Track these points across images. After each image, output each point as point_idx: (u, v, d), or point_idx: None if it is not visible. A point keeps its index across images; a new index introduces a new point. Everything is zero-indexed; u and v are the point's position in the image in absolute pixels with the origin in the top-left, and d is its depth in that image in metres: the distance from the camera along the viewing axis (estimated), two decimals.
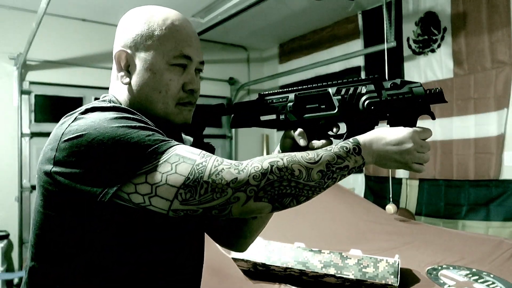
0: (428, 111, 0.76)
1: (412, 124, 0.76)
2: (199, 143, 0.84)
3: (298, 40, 4.45)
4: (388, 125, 0.78)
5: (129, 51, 0.77)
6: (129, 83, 0.78)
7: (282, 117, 0.81)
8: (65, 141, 0.65)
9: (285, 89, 0.82)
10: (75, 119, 0.68)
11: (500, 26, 2.73)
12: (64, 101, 3.62)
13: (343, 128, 0.79)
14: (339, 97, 0.79)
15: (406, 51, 3.33)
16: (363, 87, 0.78)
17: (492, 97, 2.76)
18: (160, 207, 0.64)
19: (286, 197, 0.65)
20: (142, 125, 0.67)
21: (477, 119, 2.84)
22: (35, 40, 2.87)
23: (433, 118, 0.77)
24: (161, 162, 0.64)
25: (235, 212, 0.65)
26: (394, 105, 0.76)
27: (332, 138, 0.83)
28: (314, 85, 0.81)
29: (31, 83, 3.45)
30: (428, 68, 3.17)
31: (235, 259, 1.67)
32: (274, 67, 4.81)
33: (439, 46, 3.09)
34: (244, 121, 0.85)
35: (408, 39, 3.31)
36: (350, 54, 3.55)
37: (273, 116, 0.83)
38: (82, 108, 0.71)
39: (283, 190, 0.64)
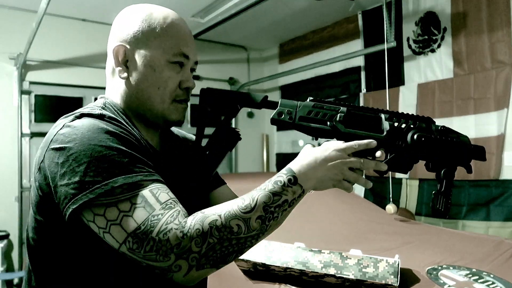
0: (468, 163, 0.78)
1: (452, 172, 0.78)
2: (224, 130, 0.83)
3: (298, 40, 4.45)
4: (425, 167, 0.79)
5: (128, 46, 0.77)
6: (127, 78, 0.78)
7: (329, 123, 0.78)
8: (51, 149, 0.65)
9: (337, 102, 0.81)
10: (64, 126, 0.67)
11: (500, 26, 2.73)
12: (64, 101, 3.62)
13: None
14: (391, 123, 0.79)
15: (406, 51, 3.33)
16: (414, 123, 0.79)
17: (492, 97, 2.76)
18: (112, 244, 0.62)
19: (229, 256, 0.64)
20: (121, 147, 0.65)
21: (477, 119, 2.84)
22: (35, 40, 2.87)
23: (470, 172, 0.79)
24: (123, 198, 0.62)
25: (178, 280, 0.62)
26: (441, 145, 0.77)
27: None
28: (368, 107, 0.81)
29: (31, 83, 3.45)
30: (428, 68, 3.17)
31: (235, 259, 1.67)
32: (274, 67, 4.81)
33: (439, 46, 3.09)
34: (283, 121, 0.81)
35: (408, 39, 3.31)
36: (350, 54, 3.55)
37: (316, 124, 0.79)
38: (77, 112, 0.71)
39: (225, 251, 0.63)
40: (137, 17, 0.78)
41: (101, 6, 3.28)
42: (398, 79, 3.36)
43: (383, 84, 2.89)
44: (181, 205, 0.66)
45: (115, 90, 0.80)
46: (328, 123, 0.78)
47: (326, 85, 4.14)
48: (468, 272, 1.70)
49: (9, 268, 3.26)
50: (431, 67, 3.15)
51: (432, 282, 1.61)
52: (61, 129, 0.67)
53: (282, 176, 0.69)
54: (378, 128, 0.79)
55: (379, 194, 3.49)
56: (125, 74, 0.78)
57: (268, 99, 0.81)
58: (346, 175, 0.73)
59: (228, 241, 0.62)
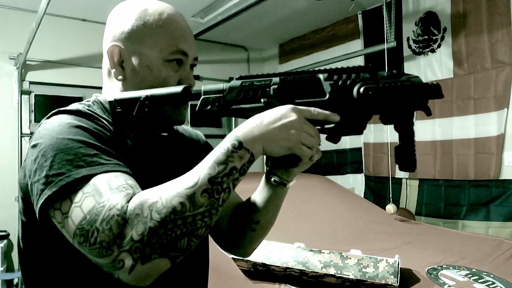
0: (425, 105, 0.69)
1: (409, 119, 0.69)
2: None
3: (298, 40, 4.45)
4: (381, 120, 0.71)
5: (122, 46, 0.74)
6: (123, 80, 0.75)
7: (264, 100, 0.69)
8: (29, 148, 0.64)
9: (268, 73, 0.71)
10: (41, 123, 0.66)
11: (500, 26, 2.73)
12: (64, 101, 3.61)
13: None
14: (331, 82, 0.69)
15: (406, 51, 3.33)
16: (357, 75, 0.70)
17: (492, 97, 2.77)
18: (70, 241, 0.58)
19: (178, 241, 0.55)
20: (91, 141, 0.62)
21: (477, 119, 2.84)
22: (35, 40, 2.87)
23: (429, 114, 0.70)
24: (77, 189, 0.57)
25: (126, 280, 0.54)
26: (392, 92, 0.68)
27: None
28: (302, 71, 0.72)
29: (31, 83, 3.45)
30: (428, 68, 3.17)
31: (235, 259, 1.67)
32: (274, 67, 4.81)
33: (439, 46, 3.09)
34: (210, 111, 0.71)
35: (408, 39, 3.32)
36: (350, 54, 3.55)
37: (248, 105, 0.70)
38: (56, 110, 0.69)
39: (171, 234, 0.54)
40: (131, 15, 0.75)
41: (101, 6, 3.28)
42: None
43: None
44: (140, 190, 0.59)
45: (112, 91, 0.77)
46: (262, 99, 0.69)
47: None
48: (468, 272, 1.70)
49: (9, 268, 3.26)
50: (431, 67, 3.15)
51: (432, 282, 1.61)
52: (39, 126, 0.66)
53: (225, 142, 0.62)
54: (319, 91, 0.70)
55: (379, 194, 3.50)
56: (121, 76, 0.75)
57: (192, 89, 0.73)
58: (303, 138, 0.65)
59: (172, 222, 0.54)
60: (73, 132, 0.62)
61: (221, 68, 4.56)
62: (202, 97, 0.70)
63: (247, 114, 0.70)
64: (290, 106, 0.65)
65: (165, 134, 0.82)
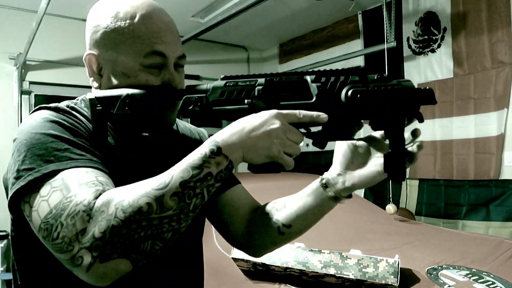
0: (417, 111, 0.66)
1: (400, 125, 0.66)
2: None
3: (298, 40, 4.45)
4: (370, 126, 0.68)
5: (98, 53, 0.71)
6: (99, 88, 0.73)
7: (247, 101, 0.66)
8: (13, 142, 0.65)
9: (254, 74, 0.69)
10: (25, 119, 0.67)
11: (500, 26, 2.73)
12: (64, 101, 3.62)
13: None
14: (319, 84, 0.67)
15: (406, 51, 3.33)
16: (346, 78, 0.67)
17: (492, 97, 2.77)
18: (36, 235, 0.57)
19: (141, 243, 0.53)
20: (63, 135, 0.62)
21: (477, 119, 2.84)
22: (35, 40, 2.87)
23: (421, 120, 0.67)
24: (46, 183, 0.57)
25: (84, 278, 0.53)
26: (382, 96, 0.65)
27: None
28: (290, 72, 0.70)
29: (31, 83, 3.45)
30: (428, 68, 3.17)
31: (235, 259, 1.67)
32: (274, 67, 4.81)
33: (439, 46, 3.09)
34: (192, 112, 0.68)
35: (408, 39, 3.32)
36: (350, 54, 3.55)
37: (232, 106, 0.67)
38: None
39: (134, 235, 0.52)
40: (103, 19, 0.70)
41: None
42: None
43: None
44: (111, 187, 0.58)
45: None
46: (246, 100, 0.66)
47: None
48: (468, 272, 1.70)
49: (9, 268, 3.26)
50: (431, 67, 3.15)
51: (432, 282, 1.61)
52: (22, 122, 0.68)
53: (204, 147, 0.59)
54: (306, 93, 0.67)
55: (379, 194, 3.49)
56: (97, 84, 0.73)
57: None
58: (286, 146, 0.61)
59: (137, 223, 0.52)
60: (47, 126, 0.62)
61: (221, 68, 4.56)
62: (184, 96, 0.68)
63: (230, 116, 0.67)
64: (274, 111, 0.62)
65: (146, 134, 0.78)
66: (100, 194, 0.55)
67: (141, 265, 0.55)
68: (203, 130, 0.95)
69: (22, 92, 3.38)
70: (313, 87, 0.67)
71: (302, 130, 0.66)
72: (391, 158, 0.66)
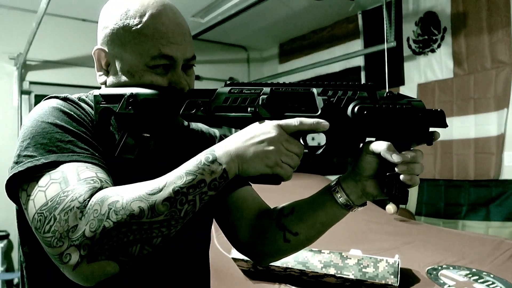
0: (426, 133, 0.63)
1: (406, 147, 0.63)
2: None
3: (298, 40, 4.45)
4: None
5: (107, 49, 0.72)
6: (104, 84, 0.74)
7: (251, 109, 0.64)
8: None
9: (260, 82, 0.68)
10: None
11: (500, 26, 2.73)
12: None
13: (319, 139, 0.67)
14: (325, 97, 0.65)
15: (406, 51, 3.33)
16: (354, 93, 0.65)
17: (492, 97, 2.77)
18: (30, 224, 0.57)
19: (130, 246, 0.53)
20: (69, 127, 0.62)
21: (477, 119, 2.84)
22: (35, 40, 2.87)
23: (430, 143, 0.64)
24: (45, 173, 0.57)
25: (70, 276, 0.53)
26: (390, 115, 0.63)
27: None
28: (296, 83, 0.69)
29: (31, 83, 3.45)
30: (428, 68, 3.17)
31: (235, 259, 1.67)
32: (274, 67, 4.81)
33: (439, 46, 3.09)
34: (195, 116, 0.67)
35: (408, 39, 3.32)
36: (350, 54, 3.55)
37: (235, 113, 0.66)
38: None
39: (123, 238, 0.52)
40: (113, 16, 0.71)
41: (101, 6, 3.27)
42: (398, 79, 3.36)
43: (383, 84, 2.89)
44: (110, 185, 0.58)
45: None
46: (249, 109, 0.65)
47: None
48: (468, 272, 1.70)
49: (9, 268, 3.26)
50: (431, 67, 3.15)
51: (432, 282, 1.61)
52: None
53: (201, 154, 0.59)
54: (312, 105, 0.65)
55: None
56: (103, 79, 0.73)
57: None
58: (284, 157, 0.60)
59: (127, 226, 0.52)
60: (54, 116, 0.63)
61: (221, 68, 4.56)
62: (188, 100, 0.67)
63: (232, 123, 0.66)
64: (273, 122, 0.61)
65: (147, 135, 0.76)
66: (96, 192, 0.55)
67: (129, 267, 0.55)
68: (215, 131, 0.94)
69: (22, 92, 3.38)
70: (319, 100, 0.65)
71: (305, 151, 0.64)
72: (394, 179, 0.63)
